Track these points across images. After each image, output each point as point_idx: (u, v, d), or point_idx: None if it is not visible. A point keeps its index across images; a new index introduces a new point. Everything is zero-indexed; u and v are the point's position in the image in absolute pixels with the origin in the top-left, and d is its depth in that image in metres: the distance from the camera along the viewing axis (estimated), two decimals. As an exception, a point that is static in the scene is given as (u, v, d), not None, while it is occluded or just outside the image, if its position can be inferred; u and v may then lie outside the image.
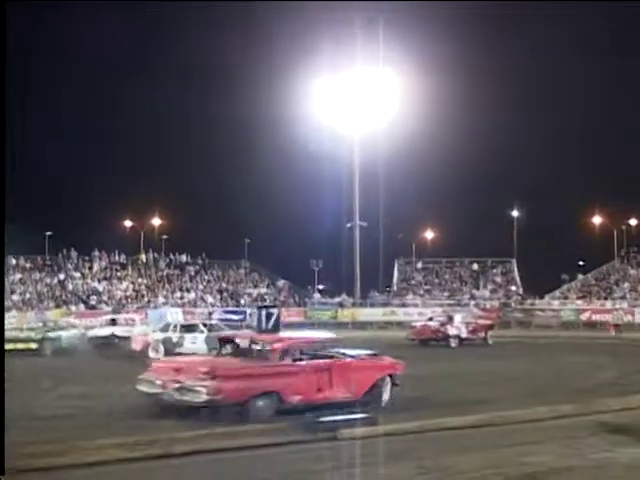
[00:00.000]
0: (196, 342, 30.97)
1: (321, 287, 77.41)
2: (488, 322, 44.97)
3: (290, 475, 12.06)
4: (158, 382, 16.84)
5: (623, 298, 62.87)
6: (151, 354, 29.75)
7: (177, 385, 16.34)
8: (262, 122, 72.59)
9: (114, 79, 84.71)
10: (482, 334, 41.39)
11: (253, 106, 73.23)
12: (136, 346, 32.43)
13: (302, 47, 62.50)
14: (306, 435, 14.45)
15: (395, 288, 74.15)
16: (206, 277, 70.63)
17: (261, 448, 13.73)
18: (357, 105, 63.60)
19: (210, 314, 58.20)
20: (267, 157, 76.10)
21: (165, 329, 33.25)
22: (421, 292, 71.70)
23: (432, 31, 66.23)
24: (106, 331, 38.38)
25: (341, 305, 67.11)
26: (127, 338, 34.71)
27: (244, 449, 13.62)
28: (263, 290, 70.57)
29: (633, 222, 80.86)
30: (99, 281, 64.37)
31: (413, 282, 74.57)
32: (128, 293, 65.04)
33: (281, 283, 72.55)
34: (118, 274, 67.17)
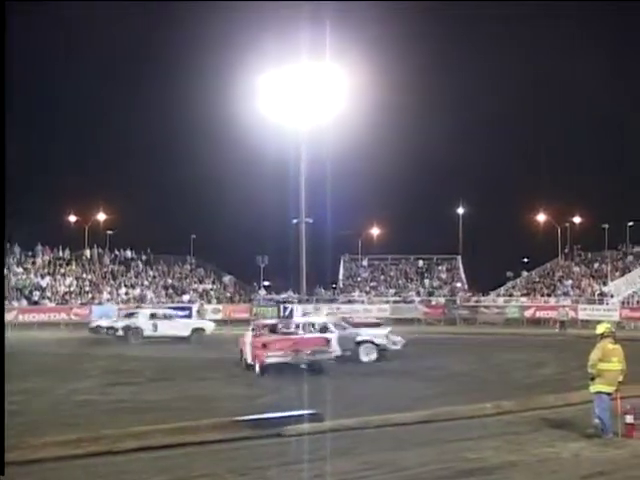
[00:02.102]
0: None
1: (267, 283, 77.34)
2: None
3: (236, 471, 12.09)
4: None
5: (567, 295, 63.56)
6: None
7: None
8: (207, 118, 72.36)
9: (55, 73, 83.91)
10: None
11: (198, 102, 73.06)
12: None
13: (246, 42, 62.43)
14: (252, 431, 14.50)
15: (341, 285, 74.27)
16: (151, 273, 70.19)
17: (207, 444, 13.76)
18: (303, 101, 63.44)
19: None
20: (212, 153, 75.96)
21: None
22: (367, 289, 71.90)
23: (380, 28, 66.49)
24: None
25: (287, 301, 67.16)
26: None
27: (190, 445, 13.64)
28: (209, 286, 70.26)
29: (577, 220, 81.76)
30: (42, 276, 63.62)
31: (359, 279, 74.73)
32: (72, 289, 64.35)
33: (227, 279, 72.28)
34: (62, 270, 66.43)
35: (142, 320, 41.86)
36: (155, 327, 40.85)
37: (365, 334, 30.77)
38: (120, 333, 41.77)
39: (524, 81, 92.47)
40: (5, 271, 63.50)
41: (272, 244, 70.23)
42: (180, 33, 76.07)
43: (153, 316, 42.44)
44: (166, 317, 42.81)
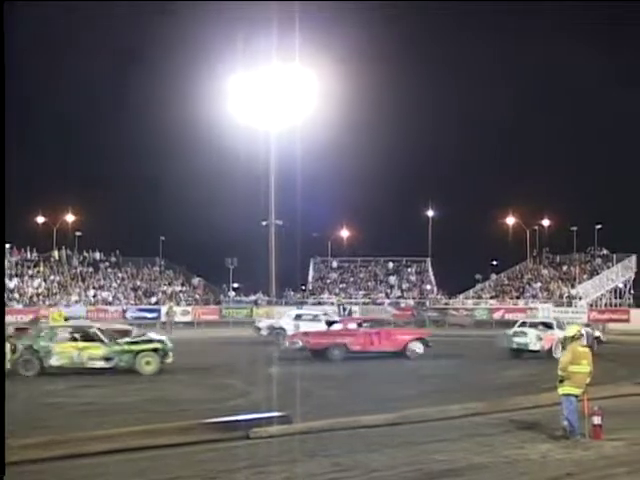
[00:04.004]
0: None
1: (236, 285, 77.22)
2: None
3: (204, 474, 12.04)
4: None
5: (535, 297, 63.96)
6: None
7: None
8: (177, 120, 72.19)
9: (22, 72, 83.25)
10: None
11: (167, 103, 72.81)
12: None
13: (216, 44, 62.26)
14: (220, 434, 14.45)
15: (310, 286, 74.30)
16: (120, 275, 69.87)
17: (176, 447, 13.69)
18: (273, 102, 63.47)
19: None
20: (182, 154, 75.83)
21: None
22: (336, 290, 71.96)
23: (351, 30, 66.58)
24: None
25: (256, 303, 67.04)
26: None
27: (159, 448, 13.57)
28: (178, 288, 70.03)
29: (545, 223, 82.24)
30: (10, 278, 63.15)
31: (329, 280, 74.79)
32: (40, 290, 63.99)
33: (196, 281, 72.08)
34: (30, 271, 66.04)
35: (286, 321, 41.61)
36: (297, 328, 39.29)
37: None
38: (264, 333, 41.90)
39: (495, 83, 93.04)
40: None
41: (242, 246, 70.11)
42: (149, 34, 75.70)
43: (298, 317, 41.82)
44: (312, 318, 41.77)
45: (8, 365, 24.22)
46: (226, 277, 73.16)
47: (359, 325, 34.29)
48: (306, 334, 33.52)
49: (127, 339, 27.44)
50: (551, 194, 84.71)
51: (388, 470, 12.15)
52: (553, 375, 15.16)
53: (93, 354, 26.24)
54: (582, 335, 15.30)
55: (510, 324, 51.88)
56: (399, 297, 69.22)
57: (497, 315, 60.44)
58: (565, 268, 69.18)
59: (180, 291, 69.59)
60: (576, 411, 14.41)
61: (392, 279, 73.69)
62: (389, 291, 71.03)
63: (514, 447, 13.86)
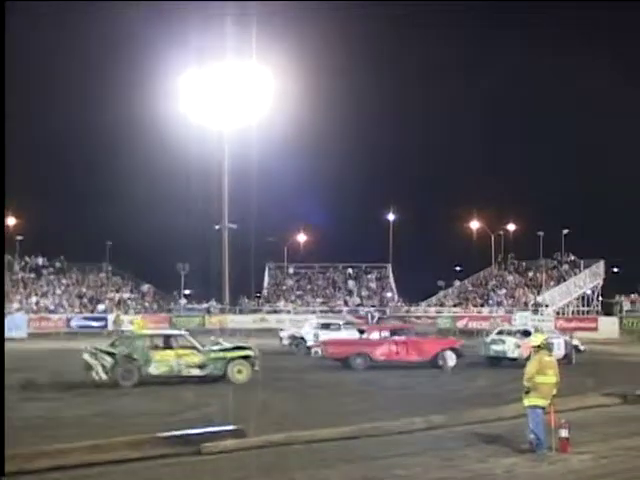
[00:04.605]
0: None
1: (188, 292, 76.81)
2: None
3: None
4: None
5: (500, 305, 64.28)
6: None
7: None
8: (126, 119, 71.79)
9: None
10: None
11: (116, 102, 72.40)
12: None
13: (167, 40, 62.02)
14: (171, 449, 14.37)
15: (265, 294, 74.07)
16: (64, 281, 69.29)
17: (125, 463, 13.60)
18: (227, 101, 63.34)
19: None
20: (131, 155, 75.32)
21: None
22: (293, 298, 71.84)
23: (307, 28, 66.59)
24: None
25: (209, 311, 66.78)
26: None
27: (107, 464, 13.47)
28: (126, 295, 69.55)
29: (511, 227, 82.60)
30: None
31: (284, 288, 74.61)
32: (-22, 298, 63.37)
33: (145, 288, 71.65)
34: (-33, 277, 65.38)
35: (306, 330, 41.54)
36: (317, 338, 39.20)
37: None
38: (285, 343, 41.96)
39: (455, 83, 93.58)
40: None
41: (194, 251, 69.69)
42: (97, 29, 75.27)
43: (320, 326, 41.67)
44: (335, 327, 41.57)
45: (104, 376, 25.30)
46: (177, 283, 72.78)
47: (392, 333, 33.98)
48: (325, 343, 34.16)
49: (219, 346, 27.88)
50: (517, 198, 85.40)
51: (345, 486, 12.15)
52: (518, 386, 15.23)
53: (189, 362, 26.59)
54: (548, 344, 15.40)
55: (475, 333, 52.39)
56: (358, 305, 69.21)
57: (461, 323, 60.70)
58: (531, 274, 69.58)
59: (128, 298, 69.14)
60: (542, 423, 14.49)
61: (351, 283, 73.74)
62: (348, 299, 71.05)
63: (477, 461, 13.90)
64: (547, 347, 15.37)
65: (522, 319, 54.83)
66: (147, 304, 69.08)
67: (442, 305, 67.46)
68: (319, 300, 70.78)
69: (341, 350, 32.61)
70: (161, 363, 26.31)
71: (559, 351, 34.30)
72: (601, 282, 68.36)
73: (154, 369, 26.19)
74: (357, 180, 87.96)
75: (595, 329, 56.26)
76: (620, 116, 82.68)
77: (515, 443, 15.00)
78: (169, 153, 63.36)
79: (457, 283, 72.84)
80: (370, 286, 74.07)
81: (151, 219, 75.02)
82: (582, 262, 68.70)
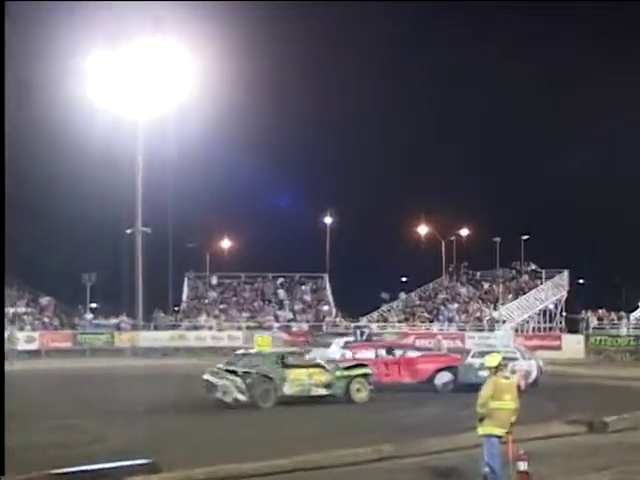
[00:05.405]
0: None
1: (94, 306, 76.20)
2: None
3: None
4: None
5: (451, 321, 64.56)
6: None
7: None
8: (22, 108, 70.86)
9: None
10: None
11: (11, 90, 71.36)
12: None
13: (73, 19, 61.29)
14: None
15: (185, 307, 73.64)
16: (-51, 293, 68.24)
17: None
18: (141, 87, 62.79)
19: None
20: (28, 149, 74.41)
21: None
22: (216, 312, 71.47)
23: (235, 7, 66.30)
24: None
25: (119, 328, 66.17)
26: None
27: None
28: (22, 309, 68.65)
29: (464, 232, 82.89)
30: None
31: (207, 300, 74.24)
32: None
33: (44, 301, 70.81)
34: None
35: (334, 350, 40.29)
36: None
37: None
38: None
39: (398, 77, 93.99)
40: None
41: (101, 259, 69.27)
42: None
43: (347, 345, 40.78)
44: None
45: (241, 397, 26.89)
46: (82, 296, 72.19)
47: (388, 352, 34.43)
48: None
49: (342, 364, 29.89)
50: (470, 199, 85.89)
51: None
52: (472, 412, 15.25)
53: (318, 381, 28.51)
54: (505, 365, 15.43)
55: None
56: (291, 320, 69.16)
57: (407, 341, 60.89)
58: (486, 286, 70.09)
59: (25, 313, 68.31)
60: (499, 455, 14.53)
61: (281, 293, 73.64)
62: (279, 313, 70.91)
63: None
64: (504, 368, 15.37)
65: (503, 338, 55.39)
66: (47, 319, 68.18)
67: (386, 321, 67.55)
68: (245, 315, 70.53)
69: None
70: (294, 382, 28.00)
71: (533, 374, 34.79)
72: (565, 295, 69.01)
73: (288, 388, 27.84)
74: (290, 179, 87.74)
75: (558, 348, 56.92)
76: (583, 115, 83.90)
77: (469, 477, 15.06)
78: (74, 146, 62.61)
79: (403, 296, 73.03)
80: (304, 299, 73.97)
81: (53, 223, 74.31)
82: (544, 272, 69.32)
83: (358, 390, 28.79)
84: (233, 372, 27.17)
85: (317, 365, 28.91)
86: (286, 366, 28.22)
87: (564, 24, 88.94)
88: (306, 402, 28.12)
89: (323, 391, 28.38)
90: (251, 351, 32.31)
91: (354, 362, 30.97)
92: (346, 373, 28.91)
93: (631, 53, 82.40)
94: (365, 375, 29.31)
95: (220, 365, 28.32)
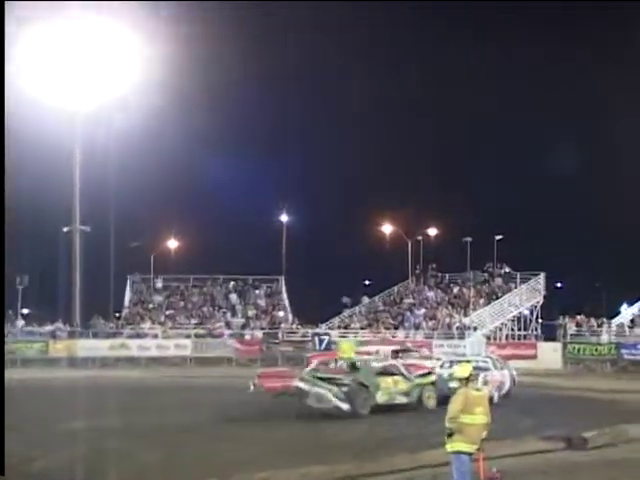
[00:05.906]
0: None
1: (26, 311, 75.76)
2: None
3: None
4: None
5: (418, 328, 64.59)
6: None
7: None
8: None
9: None
10: None
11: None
12: None
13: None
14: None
15: (127, 313, 73.33)
16: None
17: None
18: (79, 74, 62.47)
19: None
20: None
21: None
22: (162, 319, 71.25)
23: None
24: None
25: (54, 336, 65.80)
26: None
27: None
28: (-57, 316, 68.12)
29: (432, 232, 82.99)
30: None
31: (151, 306, 74.02)
32: None
33: (-30, 306, 70.38)
34: None
35: None
36: None
37: None
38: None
39: (360, 70, 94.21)
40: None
41: (35, 259, 68.89)
42: None
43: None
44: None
45: (344, 405, 28.66)
46: (13, 300, 71.76)
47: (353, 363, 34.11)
48: (260, 376, 34.04)
49: (417, 372, 32.15)
50: (439, 197, 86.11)
51: None
52: (440, 427, 15.23)
53: (400, 389, 30.87)
54: (477, 376, 15.46)
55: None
56: (243, 327, 69.06)
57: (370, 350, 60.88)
58: (456, 290, 70.28)
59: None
60: (469, 474, 14.54)
61: (233, 297, 73.51)
62: (230, 319, 70.78)
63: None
64: (475, 379, 15.37)
65: (474, 346, 55.50)
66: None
67: (347, 327, 67.57)
68: (194, 321, 70.35)
69: (277, 385, 31.88)
70: (384, 390, 30.31)
71: (507, 386, 34.99)
72: (541, 300, 69.16)
73: (379, 397, 30.09)
74: (242, 174, 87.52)
75: (534, 357, 57.12)
76: (562, 111, 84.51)
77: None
78: (6, 138, 62.15)
79: (366, 300, 73.15)
80: (258, 303, 73.93)
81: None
82: (518, 275, 69.54)
83: (428, 397, 30.93)
84: (327, 379, 29.19)
85: (400, 373, 31.08)
86: (378, 374, 30.56)
87: (564, 24, 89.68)
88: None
89: (404, 399, 30.65)
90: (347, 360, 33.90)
91: (425, 370, 33.27)
92: (423, 381, 31.36)
93: (631, 54, 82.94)
94: (433, 383, 31.48)
95: (307, 370, 31.44)
